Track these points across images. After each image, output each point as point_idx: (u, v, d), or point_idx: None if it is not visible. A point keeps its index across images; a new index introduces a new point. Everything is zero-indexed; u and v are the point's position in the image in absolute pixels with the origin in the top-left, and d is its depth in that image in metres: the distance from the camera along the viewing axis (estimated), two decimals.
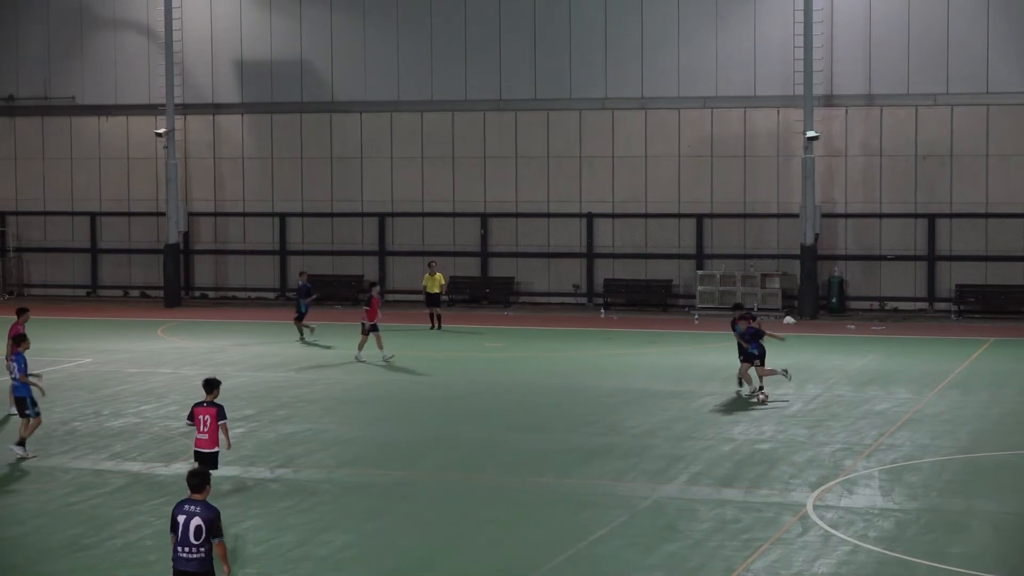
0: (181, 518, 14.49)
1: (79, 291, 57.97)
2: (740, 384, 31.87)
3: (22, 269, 58.89)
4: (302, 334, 42.16)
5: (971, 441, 26.67)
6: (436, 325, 45.31)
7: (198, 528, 14.38)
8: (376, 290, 38.95)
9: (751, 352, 31.23)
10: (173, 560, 14.62)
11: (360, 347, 37.67)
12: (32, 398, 25.41)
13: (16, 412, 26.04)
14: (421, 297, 47.00)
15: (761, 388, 31.16)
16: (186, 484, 14.88)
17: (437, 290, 45.91)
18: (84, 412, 29.65)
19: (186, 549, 14.43)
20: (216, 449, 21.88)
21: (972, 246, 49.53)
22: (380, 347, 37.38)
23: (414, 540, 19.79)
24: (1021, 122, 48.90)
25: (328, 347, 40.61)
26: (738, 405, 30.39)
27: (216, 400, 22.00)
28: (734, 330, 31.86)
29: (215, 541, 14.46)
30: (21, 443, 25.21)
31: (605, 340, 43.20)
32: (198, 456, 21.82)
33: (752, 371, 31.44)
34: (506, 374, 36.06)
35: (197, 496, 14.67)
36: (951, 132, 49.55)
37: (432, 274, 45.86)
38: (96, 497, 22.19)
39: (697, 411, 29.85)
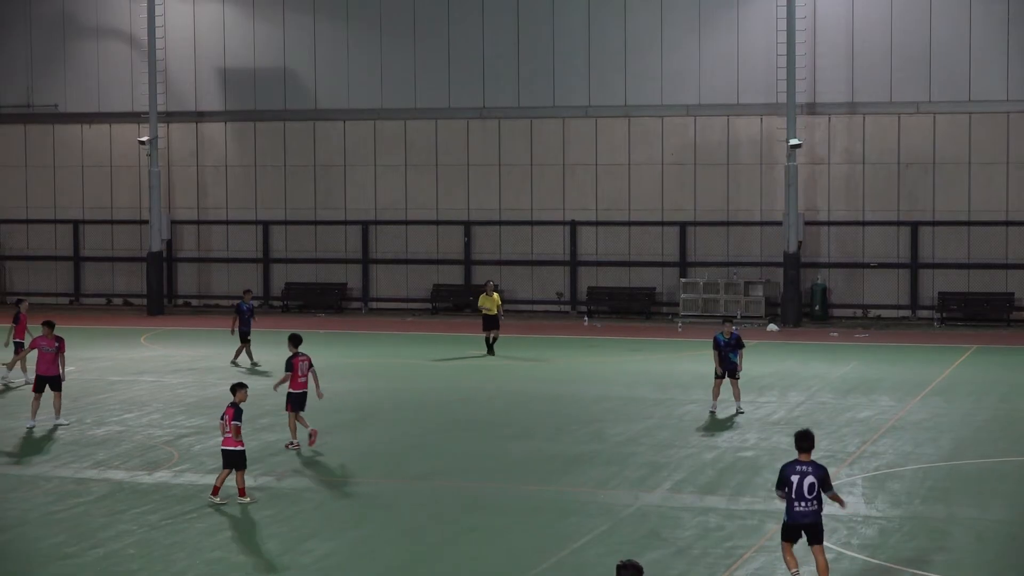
0: (794, 478, 16.88)
1: (62, 299, 57.83)
2: (715, 400, 30.24)
3: (5, 277, 58.76)
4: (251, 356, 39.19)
5: (953, 448, 26.72)
6: (490, 350, 40.99)
7: (811, 485, 16.80)
8: (24, 306, 35.79)
9: (732, 361, 29.96)
10: (788, 515, 17.03)
11: (10, 366, 35.14)
12: None
13: None
14: (404, 305, 46.83)
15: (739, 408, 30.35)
16: (795, 445, 17.27)
17: (495, 311, 41.23)
18: (66, 420, 29.53)
19: (801, 504, 16.90)
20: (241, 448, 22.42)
21: (954, 254, 49.66)
22: (10, 367, 35.03)
23: (397, 548, 19.77)
24: (1003, 130, 49.06)
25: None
26: (721, 413, 30.34)
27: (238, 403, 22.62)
28: (716, 342, 30.06)
29: (827, 494, 17.12)
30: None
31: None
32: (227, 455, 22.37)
33: (724, 385, 30.23)
34: (489, 381, 36.03)
35: (804, 457, 17.06)
36: (933, 140, 49.69)
37: (489, 294, 41.29)
38: (79, 505, 22.13)
39: (680, 419, 29.85)
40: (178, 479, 24.00)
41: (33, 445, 27.13)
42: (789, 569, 17.46)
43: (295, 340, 27.20)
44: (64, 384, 29.53)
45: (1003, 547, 20.00)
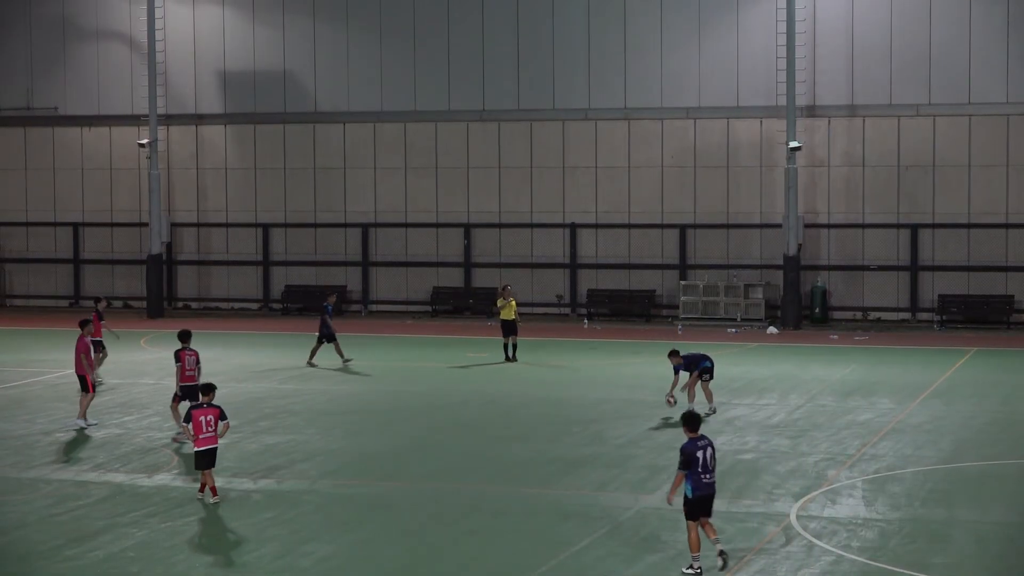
0: (699, 453, 18.28)
1: (62, 302, 57.81)
2: (691, 400, 30.35)
3: (4, 280, 58.74)
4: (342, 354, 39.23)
5: (953, 451, 26.72)
6: (510, 356, 40.07)
7: (711, 454, 18.38)
8: (101, 305, 36.72)
9: (704, 366, 30.39)
10: (697, 489, 18.25)
11: (94, 366, 34.41)
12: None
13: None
14: (404, 308, 46.67)
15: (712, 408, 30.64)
16: (685, 425, 18.69)
17: (512, 316, 39.92)
18: (66, 423, 29.55)
19: (707, 475, 18.30)
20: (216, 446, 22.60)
21: (954, 256, 49.65)
22: (92, 366, 34.63)
23: (397, 550, 19.76)
24: (1003, 132, 49.06)
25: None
26: (720, 416, 30.35)
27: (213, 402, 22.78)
28: (676, 371, 30.44)
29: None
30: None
31: (590, 349, 43.29)
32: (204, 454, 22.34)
33: (699, 387, 30.61)
34: (489, 384, 36.02)
35: (695, 433, 18.51)
36: (933, 142, 49.67)
37: (505, 298, 40.02)
38: (78, 508, 22.13)
39: (680, 421, 29.79)
40: (177, 482, 24.00)
41: (33, 448, 27.10)
42: (693, 552, 18.26)
43: (183, 336, 28.22)
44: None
45: (1003, 549, 20.00)
